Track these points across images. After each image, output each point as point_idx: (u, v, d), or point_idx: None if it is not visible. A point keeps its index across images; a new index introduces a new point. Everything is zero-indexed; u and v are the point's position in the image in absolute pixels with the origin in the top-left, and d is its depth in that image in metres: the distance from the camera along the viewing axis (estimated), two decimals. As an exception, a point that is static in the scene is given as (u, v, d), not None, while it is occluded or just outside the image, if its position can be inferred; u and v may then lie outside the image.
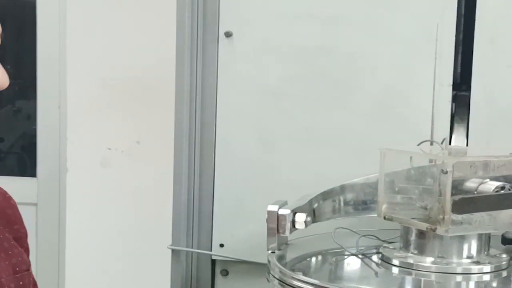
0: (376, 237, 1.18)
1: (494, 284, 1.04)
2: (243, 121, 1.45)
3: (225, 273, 1.49)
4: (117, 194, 1.74)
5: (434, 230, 1.04)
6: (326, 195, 1.25)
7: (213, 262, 1.49)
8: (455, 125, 1.34)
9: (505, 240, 1.18)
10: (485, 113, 1.33)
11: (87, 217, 1.76)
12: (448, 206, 1.01)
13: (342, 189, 1.26)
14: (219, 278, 1.50)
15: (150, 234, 1.64)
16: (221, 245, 1.46)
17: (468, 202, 0.97)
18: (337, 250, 1.15)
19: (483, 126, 1.33)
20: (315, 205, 1.22)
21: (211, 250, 1.46)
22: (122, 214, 1.70)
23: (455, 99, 1.35)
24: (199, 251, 1.45)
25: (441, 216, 1.03)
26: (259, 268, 1.45)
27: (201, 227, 1.47)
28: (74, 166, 1.83)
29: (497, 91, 1.32)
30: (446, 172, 1.02)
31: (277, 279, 1.07)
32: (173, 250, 1.46)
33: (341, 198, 1.27)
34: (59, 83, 2.14)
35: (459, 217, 1.03)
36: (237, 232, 1.45)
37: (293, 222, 1.15)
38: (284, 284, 1.06)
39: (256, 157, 1.44)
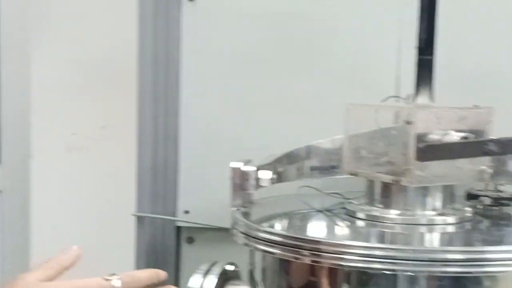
0: (342, 195, 1.17)
1: (458, 235, 1.04)
2: (208, 87, 1.44)
3: (190, 240, 1.48)
4: (83, 179, 1.71)
5: (398, 182, 1.04)
6: (291, 160, 1.24)
7: (178, 229, 1.48)
8: (420, 88, 1.34)
9: (470, 196, 1.19)
10: (448, 76, 1.33)
11: (53, 203, 1.73)
12: (412, 156, 1.01)
13: (308, 153, 1.25)
14: (184, 246, 1.49)
15: (115, 203, 1.61)
16: (186, 212, 1.45)
17: (432, 150, 0.97)
18: (302, 211, 1.14)
19: (447, 89, 1.33)
20: (280, 169, 1.21)
21: (176, 217, 1.45)
22: (88, 200, 1.68)
23: (419, 63, 1.35)
24: (163, 217, 1.43)
25: (405, 167, 1.03)
26: (225, 235, 1.43)
27: (166, 193, 1.45)
28: (39, 151, 1.80)
29: (460, 55, 1.33)
30: (410, 123, 1.02)
31: (242, 233, 1.06)
32: (137, 217, 1.44)
33: (307, 164, 1.26)
34: (22, 67, 2.10)
35: (423, 169, 1.03)
36: (202, 199, 1.44)
37: (258, 180, 1.14)
38: (250, 237, 1.04)
39: (222, 123, 1.43)
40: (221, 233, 1.43)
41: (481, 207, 1.16)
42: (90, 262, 1.05)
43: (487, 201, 1.16)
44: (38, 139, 1.79)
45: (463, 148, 0.98)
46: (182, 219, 1.44)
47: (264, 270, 1.09)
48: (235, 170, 1.13)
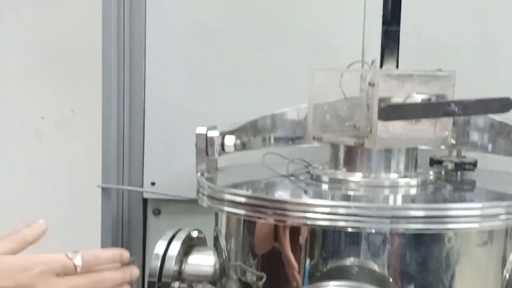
0: (306, 162, 1.18)
1: (421, 196, 1.05)
2: (172, 60, 1.43)
3: (157, 212, 1.47)
4: (51, 164, 1.69)
5: (362, 145, 1.05)
6: (256, 131, 1.24)
7: (145, 201, 1.47)
8: (385, 58, 1.36)
9: (433, 161, 1.20)
10: (414, 47, 1.35)
11: (21, 189, 1.71)
12: (375, 118, 1.01)
13: (273, 124, 1.26)
14: (151, 218, 1.48)
15: (82, 177, 1.60)
16: (153, 184, 1.44)
17: (394, 109, 0.98)
18: (267, 176, 1.14)
19: (412, 60, 1.35)
20: (245, 139, 1.21)
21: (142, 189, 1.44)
22: (56, 185, 1.66)
23: (385, 34, 1.36)
24: (130, 188, 1.43)
25: (368, 129, 1.03)
26: (192, 207, 1.43)
27: (132, 165, 1.45)
28: (6, 137, 1.78)
29: (423, 22, 1.34)
30: (373, 84, 1.02)
31: (207, 196, 1.06)
32: (103, 188, 1.43)
33: (272, 135, 1.26)
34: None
35: (386, 131, 1.03)
36: (168, 171, 1.44)
37: (222, 145, 1.14)
38: (214, 199, 1.04)
39: (186, 94, 1.42)
40: (187, 205, 1.43)
41: (443, 172, 1.18)
42: (57, 234, 1.05)
43: (450, 166, 1.17)
44: (5, 125, 1.78)
45: (425, 108, 0.99)
46: (148, 190, 1.43)
47: (228, 234, 1.09)
48: (200, 136, 1.13)
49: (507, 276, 1.02)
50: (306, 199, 0.98)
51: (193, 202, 1.40)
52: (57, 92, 1.91)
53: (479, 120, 1.19)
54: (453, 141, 1.20)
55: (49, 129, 1.91)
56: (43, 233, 0.95)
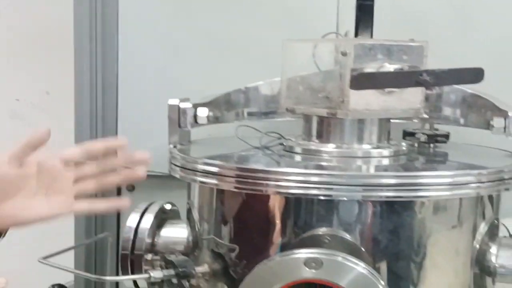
0: (279, 134, 1.17)
1: (393, 165, 1.05)
2: (145, 34, 1.41)
3: (131, 188, 1.46)
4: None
5: (334, 115, 1.05)
6: (230, 106, 1.23)
7: (119, 177, 1.46)
8: (360, 31, 1.35)
9: (406, 133, 1.21)
10: (388, 19, 1.34)
11: None
12: (348, 87, 1.01)
13: (247, 100, 1.25)
14: (125, 194, 1.47)
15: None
16: (127, 160, 1.43)
17: (366, 78, 0.98)
18: (240, 148, 1.14)
19: (386, 33, 1.34)
20: (219, 114, 1.21)
21: (116, 164, 1.43)
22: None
23: (359, 8, 1.36)
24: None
25: (341, 99, 1.03)
26: (167, 182, 1.42)
27: (105, 141, 1.43)
28: None
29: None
30: (346, 54, 1.02)
31: (180, 166, 1.06)
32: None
33: (245, 110, 1.26)
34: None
35: (358, 101, 1.03)
36: (143, 145, 1.41)
37: (195, 117, 1.14)
38: (187, 170, 1.04)
39: (160, 66, 1.41)
40: (162, 180, 1.42)
41: (416, 144, 1.18)
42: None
43: (423, 138, 1.18)
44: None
45: (397, 77, 0.99)
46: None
47: (201, 206, 1.09)
48: (172, 107, 1.12)
49: (477, 246, 1.03)
50: (278, 168, 0.97)
51: (168, 177, 1.39)
52: (32, 75, 1.89)
53: (451, 95, 1.20)
54: (426, 116, 1.21)
55: (25, 110, 1.89)
56: (47, 136, 0.92)
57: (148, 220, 1.12)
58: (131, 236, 1.10)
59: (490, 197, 1.05)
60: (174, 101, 1.12)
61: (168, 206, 1.16)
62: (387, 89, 1.03)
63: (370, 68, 1.04)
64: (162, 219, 1.16)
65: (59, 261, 1.06)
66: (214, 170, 1.00)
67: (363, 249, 0.97)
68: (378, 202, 0.95)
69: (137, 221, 1.11)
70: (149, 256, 1.11)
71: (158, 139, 1.34)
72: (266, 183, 0.95)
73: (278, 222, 0.98)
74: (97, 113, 1.42)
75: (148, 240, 1.11)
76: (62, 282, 1.53)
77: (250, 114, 1.26)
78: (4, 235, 0.96)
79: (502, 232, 1.12)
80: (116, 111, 1.43)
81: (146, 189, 1.46)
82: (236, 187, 0.98)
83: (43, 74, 1.92)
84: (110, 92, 1.43)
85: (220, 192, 1.03)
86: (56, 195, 0.93)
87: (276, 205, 0.98)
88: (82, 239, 1.44)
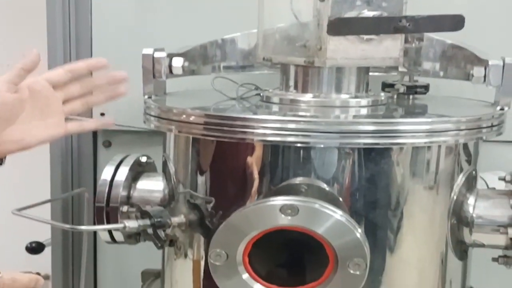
0: (256, 85, 1.15)
1: (371, 114, 1.03)
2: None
3: (107, 144, 1.44)
4: None
5: (312, 64, 1.03)
6: (206, 60, 1.21)
7: (95, 133, 1.44)
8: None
9: (385, 85, 1.19)
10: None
11: None
12: (325, 34, 0.99)
13: (223, 54, 1.22)
14: (101, 150, 1.45)
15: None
16: (102, 114, 1.40)
17: (344, 23, 0.96)
18: (217, 100, 1.12)
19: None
20: (195, 67, 1.18)
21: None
22: None
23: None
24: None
25: (318, 47, 1.01)
26: (143, 138, 1.41)
27: (80, 95, 1.40)
28: None
29: None
30: (324, 0, 1.00)
31: (155, 116, 1.04)
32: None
33: (221, 64, 1.23)
34: None
35: (336, 49, 1.01)
36: (118, 100, 1.39)
37: (170, 68, 1.11)
38: (162, 119, 1.02)
39: (134, 21, 1.37)
40: (139, 136, 1.40)
41: (395, 96, 1.17)
42: (5, 167, 1.01)
43: (402, 89, 1.16)
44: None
45: (375, 23, 0.97)
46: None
47: (176, 157, 1.07)
48: (146, 57, 1.10)
49: (455, 197, 1.02)
50: (255, 115, 0.96)
51: (145, 133, 1.38)
52: (7, 37, 1.86)
53: (431, 49, 1.18)
54: (405, 68, 1.19)
55: (1, 73, 1.86)
56: (38, 58, 0.93)
57: (123, 173, 1.10)
58: (106, 189, 1.09)
59: (468, 147, 1.04)
60: (148, 51, 1.10)
61: (143, 159, 1.14)
62: (365, 37, 1.01)
63: (348, 15, 1.02)
64: (138, 172, 1.14)
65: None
66: (189, 119, 0.98)
67: (340, 198, 0.96)
68: (355, 150, 0.94)
69: (112, 173, 1.09)
70: (124, 208, 1.09)
71: (134, 93, 1.32)
72: (243, 130, 0.93)
73: (254, 171, 0.97)
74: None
75: (124, 193, 1.09)
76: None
77: (226, 67, 1.24)
78: (3, 162, 0.98)
79: (480, 185, 1.12)
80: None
81: (123, 145, 1.44)
82: (212, 136, 0.96)
83: (18, 37, 1.89)
84: (84, 46, 1.40)
85: (196, 141, 1.02)
86: (50, 118, 0.96)
87: (252, 153, 0.96)
88: (59, 195, 1.42)
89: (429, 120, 0.95)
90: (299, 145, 0.93)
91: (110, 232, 1.10)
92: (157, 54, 1.09)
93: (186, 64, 1.12)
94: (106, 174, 1.10)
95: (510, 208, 1.02)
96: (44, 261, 1.59)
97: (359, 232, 0.91)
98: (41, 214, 1.09)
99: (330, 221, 0.90)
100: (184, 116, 0.98)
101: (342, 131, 0.91)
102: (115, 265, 1.48)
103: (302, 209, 0.89)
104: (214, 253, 0.92)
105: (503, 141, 1.28)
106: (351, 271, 0.90)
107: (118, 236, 1.11)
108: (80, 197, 1.41)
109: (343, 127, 0.91)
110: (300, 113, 1.02)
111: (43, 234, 1.51)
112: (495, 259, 1.07)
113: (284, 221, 0.89)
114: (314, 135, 0.91)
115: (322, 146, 0.93)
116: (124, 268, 1.47)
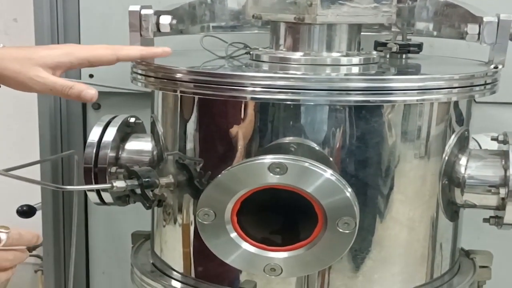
0: (245, 44, 1.13)
1: (362, 72, 1.02)
2: None
3: (97, 106, 1.42)
4: None
5: (302, 20, 1.01)
6: (194, 21, 1.18)
7: (84, 95, 1.41)
8: None
9: (377, 44, 1.17)
10: None
11: None
12: (316, -10, 0.97)
13: (212, 14, 1.20)
14: (91, 112, 1.43)
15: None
16: (91, 76, 1.38)
17: (334, -22, 0.94)
18: (206, 59, 1.10)
19: None
20: (183, 28, 1.16)
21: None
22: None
23: None
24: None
25: (309, 3, 0.99)
26: (132, 100, 1.39)
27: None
28: None
29: None
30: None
31: (142, 74, 1.02)
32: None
33: (210, 25, 1.21)
34: None
35: (327, 4, 0.99)
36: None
37: (158, 26, 1.09)
38: (149, 77, 1.00)
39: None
40: (128, 98, 1.39)
41: (388, 55, 1.15)
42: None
43: (395, 48, 1.14)
44: None
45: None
46: (86, 82, 1.37)
47: (165, 117, 1.05)
48: (133, 13, 1.07)
49: (446, 158, 1.01)
50: (245, 72, 0.94)
51: (134, 95, 1.36)
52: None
53: (424, 8, 1.15)
54: (398, 28, 1.17)
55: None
56: None
57: (111, 133, 1.08)
58: (94, 150, 1.07)
59: (460, 107, 1.02)
60: (135, 7, 1.07)
61: (132, 120, 1.13)
62: (357, -8, 0.99)
63: (339, -29, 0.99)
64: (126, 132, 1.12)
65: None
66: (178, 76, 0.96)
67: (330, 158, 0.94)
68: (346, 108, 0.92)
69: (99, 134, 1.08)
70: (113, 169, 1.08)
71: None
72: (232, 88, 0.91)
73: (243, 130, 0.95)
74: (58, 27, 1.37)
75: (112, 154, 1.08)
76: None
77: (216, 27, 1.21)
78: None
79: (473, 147, 1.11)
80: (78, 26, 1.38)
81: (112, 108, 1.42)
82: (200, 94, 0.94)
83: (11, 2, 1.87)
84: (71, 7, 1.37)
85: (184, 101, 1.00)
86: None
87: (241, 112, 0.95)
88: (48, 157, 1.41)
89: (421, 77, 0.93)
90: (289, 102, 0.91)
91: (99, 193, 1.09)
92: (144, 11, 1.07)
93: (174, 22, 1.09)
94: (93, 135, 1.08)
95: (502, 168, 1.01)
96: (35, 227, 1.59)
97: (349, 191, 0.89)
98: (31, 177, 1.08)
99: (320, 179, 0.88)
100: (171, 73, 0.96)
101: (333, 88, 0.89)
102: (106, 228, 1.47)
103: (291, 167, 0.87)
104: (202, 212, 0.90)
105: (496, 102, 1.27)
106: (340, 230, 0.88)
107: (107, 197, 1.10)
108: (70, 160, 1.40)
109: (334, 84, 0.90)
110: (290, 72, 1.00)
111: (35, 198, 1.50)
112: (486, 220, 1.06)
113: (273, 179, 0.88)
114: (304, 92, 0.89)
115: (312, 103, 0.91)
116: (115, 230, 1.47)
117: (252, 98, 0.92)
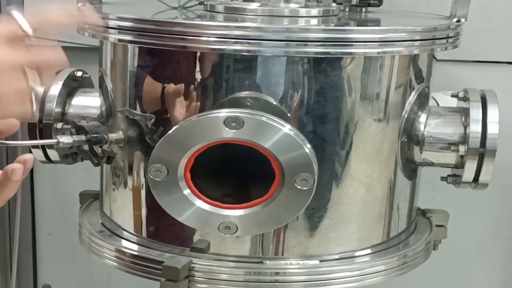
0: None
1: (322, 25, 0.98)
2: None
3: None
4: None
5: (259, -31, 0.96)
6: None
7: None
8: None
9: None
10: None
11: None
12: None
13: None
14: (35, 67, 1.36)
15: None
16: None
17: None
18: (157, 10, 1.04)
19: None
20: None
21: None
22: None
23: None
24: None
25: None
26: (81, 54, 1.32)
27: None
28: None
29: None
30: None
31: (90, 24, 0.96)
32: None
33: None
34: None
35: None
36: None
37: (107, -28, 1.03)
38: (99, 28, 0.94)
39: None
40: (75, 53, 1.30)
41: (347, 8, 1.11)
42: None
43: (354, 1, 1.11)
44: None
45: None
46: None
47: (114, 70, 1.00)
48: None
49: (406, 115, 0.98)
50: (198, 21, 0.89)
51: (83, 50, 1.30)
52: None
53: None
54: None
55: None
56: None
57: (56, 88, 1.02)
58: (39, 104, 1.01)
59: (420, 62, 0.99)
60: (80, -48, 1.01)
61: (79, 73, 1.07)
62: None
63: None
64: (73, 87, 1.06)
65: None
66: (128, 25, 0.90)
67: (288, 113, 0.90)
68: (304, 60, 0.88)
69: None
70: (59, 125, 1.02)
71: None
72: (184, 37, 0.86)
73: (197, 84, 0.91)
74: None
75: (58, 109, 1.02)
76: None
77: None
78: None
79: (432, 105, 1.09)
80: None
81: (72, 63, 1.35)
82: (150, 44, 0.89)
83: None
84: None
85: (135, 51, 0.95)
86: None
87: (195, 64, 0.90)
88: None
89: (383, 28, 0.90)
90: (245, 54, 0.86)
91: (44, 150, 1.04)
92: (90, -46, 1.01)
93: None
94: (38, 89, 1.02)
95: (462, 126, 0.99)
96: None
97: (307, 147, 0.86)
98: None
99: (278, 134, 0.85)
100: (121, 22, 0.91)
101: (291, 39, 0.85)
102: (53, 188, 1.42)
103: (248, 121, 0.84)
104: (154, 168, 0.86)
105: (456, 60, 1.25)
106: (298, 187, 0.85)
107: (53, 155, 1.04)
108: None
109: (292, 34, 0.85)
110: (247, 22, 0.96)
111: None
112: (444, 178, 1.04)
113: (228, 134, 0.84)
114: (261, 42, 0.85)
115: (269, 55, 0.87)
116: (62, 190, 1.42)
117: (205, 49, 0.87)
